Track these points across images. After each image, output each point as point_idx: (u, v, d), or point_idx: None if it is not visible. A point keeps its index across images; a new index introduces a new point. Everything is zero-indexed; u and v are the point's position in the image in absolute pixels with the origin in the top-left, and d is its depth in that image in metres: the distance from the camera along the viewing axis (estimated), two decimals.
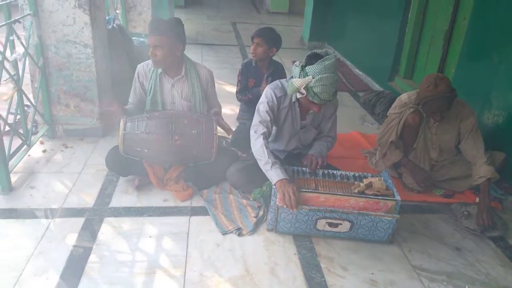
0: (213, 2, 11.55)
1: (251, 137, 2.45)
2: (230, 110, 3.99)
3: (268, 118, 2.45)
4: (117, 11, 5.47)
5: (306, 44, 7.17)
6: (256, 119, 2.48)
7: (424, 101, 2.69)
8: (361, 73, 5.52)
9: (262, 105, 2.48)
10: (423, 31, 4.43)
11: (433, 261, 2.32)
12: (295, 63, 2.34)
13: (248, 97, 3.24)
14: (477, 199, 2.87)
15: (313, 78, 2.20)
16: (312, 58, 2.26)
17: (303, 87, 2.24)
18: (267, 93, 2.50)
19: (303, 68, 2.25)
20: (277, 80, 2.59)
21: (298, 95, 2.31)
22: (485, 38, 3.27)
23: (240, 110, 3.54)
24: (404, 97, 2.95)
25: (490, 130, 3.15)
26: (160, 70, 2.63)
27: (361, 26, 5.79)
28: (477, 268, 2.29)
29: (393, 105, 3.01)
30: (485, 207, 2.58)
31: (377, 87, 5.05)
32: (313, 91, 2.24)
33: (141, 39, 4.46)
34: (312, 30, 7.03)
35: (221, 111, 2.87)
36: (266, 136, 2.42)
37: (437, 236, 2.53)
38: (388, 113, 3.04)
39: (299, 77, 2.26)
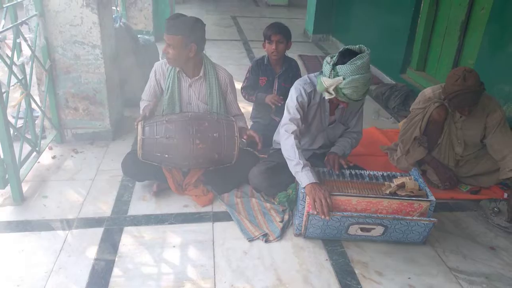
0: None
1: (281, 135, 2.35)
2: (241, 108, 3.85)
3: (298, 116, 2.34)
4: (118, 8, 5.32)
5: (310, 37, 7.05)
6: (286, 116, 2.37)
7: (451, 96, 2.59)
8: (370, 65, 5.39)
9: (291, 102, 2.37)
10: (437, 22, 4.32)
11: (469, 262, 2.23)
12: (326, 59, 2.21)
13: (251, 99, 3.13)
14: (505, 195, 2.80)
15: (343, 79, 2.08)
16: (345, 56, 2.12)
17: (332, 88, 2.12)
18: (297, 88, 2.38)
19: (334, 67, 2.12)
20: (306, 76, 2.47)
21: (327, 96, 2.19)
22: (508, 28, 3.16)
23: (253, 109, 3.42)
24: (428, 91, 2.85)
25: None
26: (178, 69, 2.52)
27: (368, 17, 5.67)
28: None
29: (416, 100, 2.91)
30: None
31: (388, 79, 4.94)
32: (342, 93, 2.13)
33: (146, 37, 4.32)
34: (316, 23, 6.90)
35: (243, 118, 2.78)
36: (297, 135, 2.31)
37: (469, 235, 2.44)
38: (411, 109, 2.94)
39: (329, 77, 2.14)
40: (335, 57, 2.16)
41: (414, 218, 2.12)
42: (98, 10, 2.86)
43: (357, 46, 2.15)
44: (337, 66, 2.11)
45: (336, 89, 2.12)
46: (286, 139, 2.29)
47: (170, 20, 2.37)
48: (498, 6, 3.27)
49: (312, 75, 2.45)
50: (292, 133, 2.29)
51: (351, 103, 2.30)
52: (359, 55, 2.08)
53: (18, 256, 2.09)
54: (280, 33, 2.92)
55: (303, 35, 7.36)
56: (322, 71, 2.25)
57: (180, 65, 2.51)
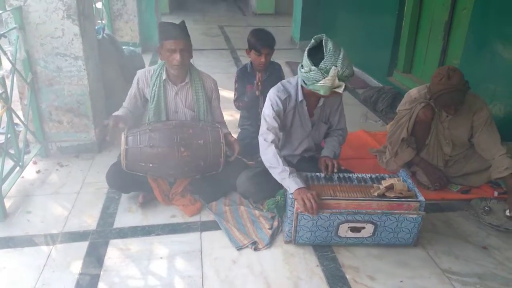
0: (197, 6, 11.42)
1: (260, 145, 2.32)
2: (229, 116, 3.83)
3: (276, 125, 2.32)
4: (103, 21, 5.29)
5: (297, 44, 7.07)
6: (263, 126, 2.34)
7: (437, 95, 2.58)
8: (357, 69, 5.40)
9: (267, 111, 2.35)
10: (421, 23, 4.34)
11: (461, 263, 2.20)
12: (303, 69, 2.19)
13: (244, 102, 3.10)
14: (496, 193, 2.79)
15: (336, 67, 2.07)
16: (315, 54, 2.12)
17: (336, 81, 2.10)
18: (271, 98, 2.37)
19: (318, 68, 2.11)
20: (278, 83, 2.46)
21: (340, 90, 2.15)
22: (490, 26, 3.18)
23: (240, 117, 3.40)
24: (413, 92, 2.84)
25: (500, 122, 3.05)
26: (164, 77, 2.49)
27: (354, 22, 5.69)
28: (509, 267, 2.18)
29: (402, 101, 2.90)
30: None
31: (375, 83, 4.95)
32: (345, 76, 2.11)
33: (131, 48, 4.29)
34: (302, 29, 6.92)
35: (226, 125, 2.77)
36: (276, 144, 2.29)
37: (461, 235, 2.42)
38: (397, 110, 2.93)
39: (323, 78, 2.12)
40: (307, 62, 2.14)
41: (402, 212, 2.10)
42: (79, 22, 2.82)
43: (313, 40, 2.17)
44: (320, 65, 2.10)
45: (340, 78, 2.11)
46: (266, 149, 2.27)
47: (175, 26, 2.40)
48: (479, 5, 3.29)
49: (285, 81, 2.44)
50: (271, 142, 2.27)
51: (328, 100, 2.39)
52: (323, 42, 2.11)
53: (0, 274, 2.03)
54: (269, 46, 2.92)
55: (290, 42, 7.38)
56: (305, 82, 2.23)
57: (186, 69, 2.53)
